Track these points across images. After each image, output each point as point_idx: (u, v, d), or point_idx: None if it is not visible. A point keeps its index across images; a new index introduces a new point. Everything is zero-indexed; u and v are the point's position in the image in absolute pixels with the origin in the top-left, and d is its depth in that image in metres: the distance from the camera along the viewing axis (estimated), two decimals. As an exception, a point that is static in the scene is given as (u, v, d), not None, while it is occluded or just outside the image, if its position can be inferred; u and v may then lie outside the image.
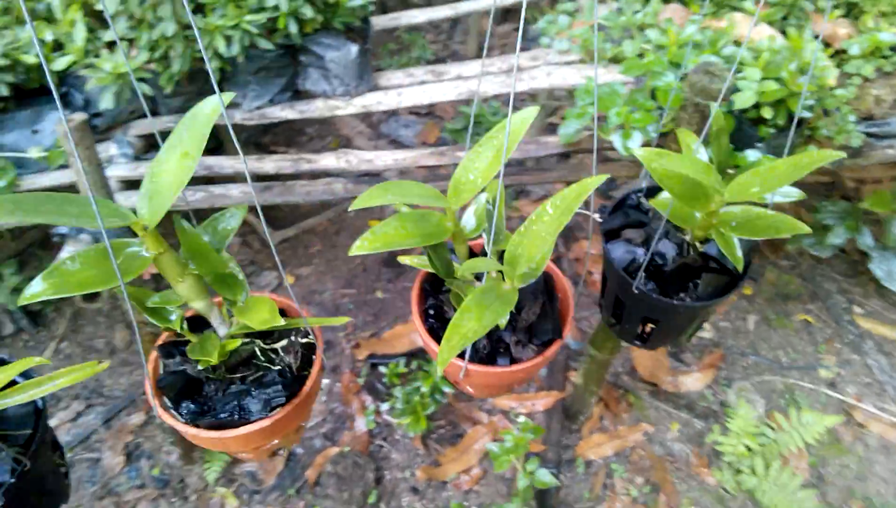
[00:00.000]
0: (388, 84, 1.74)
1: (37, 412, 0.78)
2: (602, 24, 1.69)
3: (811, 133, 1.52)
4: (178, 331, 0.79)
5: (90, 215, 0.64)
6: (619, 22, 1.65)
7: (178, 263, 0.72)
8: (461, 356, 0.88)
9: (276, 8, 1.50)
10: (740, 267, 0.84)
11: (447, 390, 1.83)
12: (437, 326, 0.95)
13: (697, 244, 0.92)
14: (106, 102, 1.43)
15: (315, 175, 1.60)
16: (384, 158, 1.56)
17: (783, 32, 1.59)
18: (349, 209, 0.71)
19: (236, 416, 0.78)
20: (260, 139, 2.82)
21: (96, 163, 1.26)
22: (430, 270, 0.88)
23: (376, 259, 2.48)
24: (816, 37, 1.53)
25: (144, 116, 1.67)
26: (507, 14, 3.48)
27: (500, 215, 0.86)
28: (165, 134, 0.73)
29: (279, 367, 0.81)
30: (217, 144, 1.94)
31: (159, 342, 0.85)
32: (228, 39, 1.47)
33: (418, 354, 2.11)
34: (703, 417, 2.05)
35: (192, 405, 0.78)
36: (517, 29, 3.41)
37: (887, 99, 1.45)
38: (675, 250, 0.93)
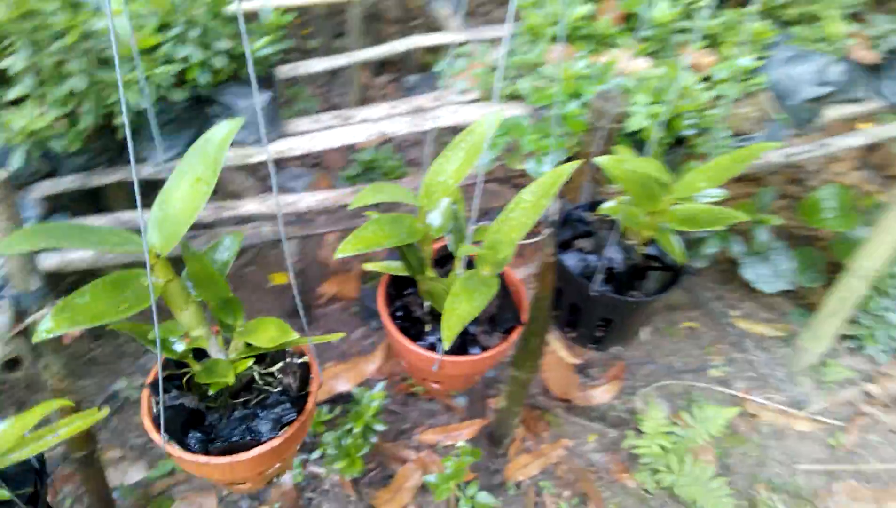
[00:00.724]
0: (296, 130, 1.76)
1: (39, 467, 0.75)
2: (497, 64, 1.81)
3: (691, 150, 1.70)
4: (179, 359, 0.78)
5: (108, 241, 0.64)
6: (513, 62, 1.78)
7: (184, 290, 0.72)
8: (432, 348, 0.92)
9: (186, 59, 1.50)
10: (684, 261, 0.95)
11: (379, 427, 1.84)
12: (407, 325, 0.99)
13: (641, 247, 1.02)
14: (17, 162, 1.36)
15: (242, 220, 1.59)
16: (307, 200, 1.58)
17: (657, 63, 1.77)
18: (349, 207, 0.75)
19: (248, 438, 0.78)
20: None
21: (19, 222, 1.20)
22: (397, 273, 0.93)
23: (287, 309, 2.45)
24: (688, 67, 1.73)
25: (46, 176, 1.60)
26: (383, 66, 3.59)
27: (461, 216, 0.93)
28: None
29: (279, 388, 0.82)
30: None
31: (148, 380, 0.83)
32: (140, 92, 1.45)
33: (339, 399, 2.10)
34: (615, 426, 2.17)
35: (199, 434, 0.78)
36: (395, 79, 3.53)
37: (752, 116, 1.65)
38: (622, 255, 1.02)
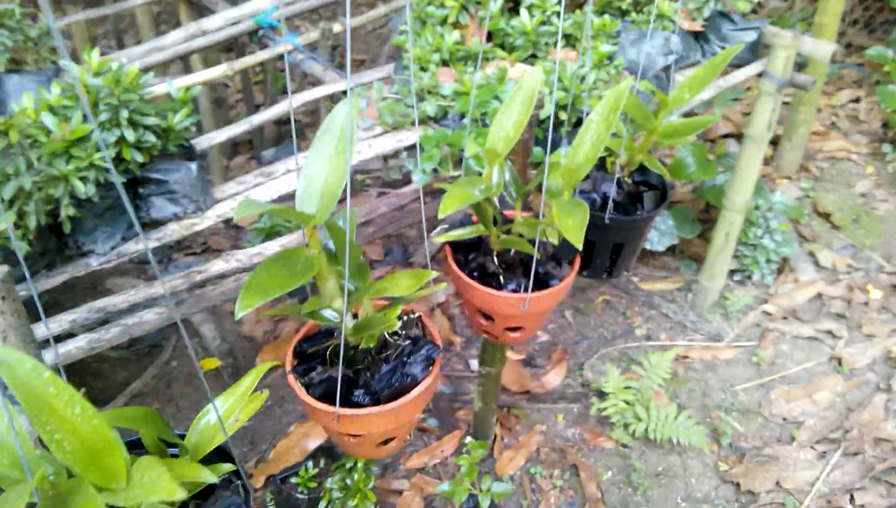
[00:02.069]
0: (225, 195, 1.80)
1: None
2: (396, 95, 1.95)
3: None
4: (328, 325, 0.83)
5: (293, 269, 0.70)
6: (411, 89, 1.93)
7: (329, 260, 0.78)
8: (515, 290, 1.04)
9: (119, 141, 1.51)
10: (667, 177, 1.12)
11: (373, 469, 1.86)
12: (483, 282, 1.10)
13: (628, 179, 1.19)
14: None
15: (220, 277, 1.59)
16: (272, 247, 1.61)
17: (535, 65, 1.99)
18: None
19: (407, 381, 0.84)
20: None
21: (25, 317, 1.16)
22: (471, 235, 1.02)
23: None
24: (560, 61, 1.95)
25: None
26: (235, 147, 3.62)
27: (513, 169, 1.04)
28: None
29: (408, 341, 0.89)
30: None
31: (288, 367, 0.88)
32: (84, 180, 1.44)
33: (319, 452, 2.09)
34: (575, 400, 2.32)
35: (360, 391, 0.83)
36: (252, 157, 3.56)
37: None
38: (615, 187, 1.18)
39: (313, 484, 1.97)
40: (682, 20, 2.21)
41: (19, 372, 0.67)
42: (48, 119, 1.44)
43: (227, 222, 2.87)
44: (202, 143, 2.06)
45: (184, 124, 1.69)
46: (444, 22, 2.18)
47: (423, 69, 2.02)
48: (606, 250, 1.24)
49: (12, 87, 1.95)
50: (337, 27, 2.44)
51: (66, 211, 1.46)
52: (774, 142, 3.35)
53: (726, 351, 2.49)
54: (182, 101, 1.75)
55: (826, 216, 3.07)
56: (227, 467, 0.84)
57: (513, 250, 1.14)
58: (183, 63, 3.03)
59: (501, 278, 1.12)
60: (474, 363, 2.42)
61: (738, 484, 2.08)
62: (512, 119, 0.98)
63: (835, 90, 3.98)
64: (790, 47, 2.10)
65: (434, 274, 0.87)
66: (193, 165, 1.68)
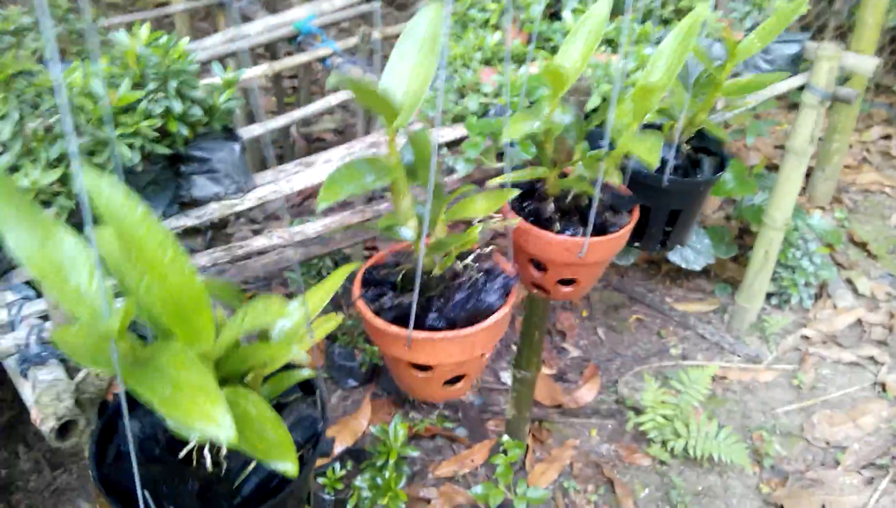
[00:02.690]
0: (264, 181, 1.77)
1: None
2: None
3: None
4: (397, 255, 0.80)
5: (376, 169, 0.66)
6: (454, 86, 1.92)
7: (406, 173, 0.75)
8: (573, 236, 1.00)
9: (165, 112, 1.49)
10: (727, 140, 1.09)
11: (414, 453, 1.79)
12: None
13: (685, 146, 1.15)
14: None
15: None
16: (314, 226, 1.57)
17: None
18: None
19: (483, 308, 0.79)
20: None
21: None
22: (531, 177, 0.99)
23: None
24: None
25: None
26: (264, 162, 3.62)
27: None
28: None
29: (481, 273, 0.84)
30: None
31: (356, 294, 0.85)
32: (131, 147, 1.41)
33: (346, 455, 2.02)
34: (610, 416, 2.24)
35: (434, 315, 0.78)
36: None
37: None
38: (673, 153, 1.15)
39: (340, 486, 1.90)
40: (724, 30, 2.20)
41: (114, 200, 0.62)
42: (97, 85, 1.43)
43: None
44: (242, 135, 2.05)
45: (228, 105, 1.68)
46: (485, 25, 2.18)
47: (466, 66, 2.02)
48: (662, 218, 1.20)
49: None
50: (376, 34, 2.45)
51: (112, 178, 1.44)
52: (808, 173, 3.31)
53: (765, 373, 2.41)
54: (227, 83, 1.74)
55: (862, 246, 3.02)
56: (307, 373, 0.80)
57: (569, 197, 1.10)
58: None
59: (557, 224, 1.08)
60: (504, 376, 2.35)
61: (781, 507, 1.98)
62: (579, 48, 0.95)
63: (865, 127, 3.96)
64: (833, 59, 2.08)
65: (514, 192, 0.83)
66: (237, 146, 1.66)
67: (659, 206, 1.17)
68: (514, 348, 2.06)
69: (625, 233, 1.05)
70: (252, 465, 0.74)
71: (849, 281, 2.80)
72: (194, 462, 0.73)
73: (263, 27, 2.53)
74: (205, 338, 0.65)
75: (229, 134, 1.70)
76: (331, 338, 2.40)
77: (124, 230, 0.62)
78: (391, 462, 1.70)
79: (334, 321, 0.78)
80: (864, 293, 2.75)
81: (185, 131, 1.55)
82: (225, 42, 2.48)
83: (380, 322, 0.82)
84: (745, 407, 2.29)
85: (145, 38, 1.52)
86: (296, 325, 0.74)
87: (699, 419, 2.10)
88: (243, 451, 0.61)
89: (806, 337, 2.55)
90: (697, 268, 2.60)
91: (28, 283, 1.48)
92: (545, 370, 2.38)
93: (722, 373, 2.39)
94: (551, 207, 1.09)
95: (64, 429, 1.21)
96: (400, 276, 0.85)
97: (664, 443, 2.09)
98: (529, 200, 1.13)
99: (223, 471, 0.74)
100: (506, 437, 1.86)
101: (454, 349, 0.83)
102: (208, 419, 0.52)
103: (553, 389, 2.31)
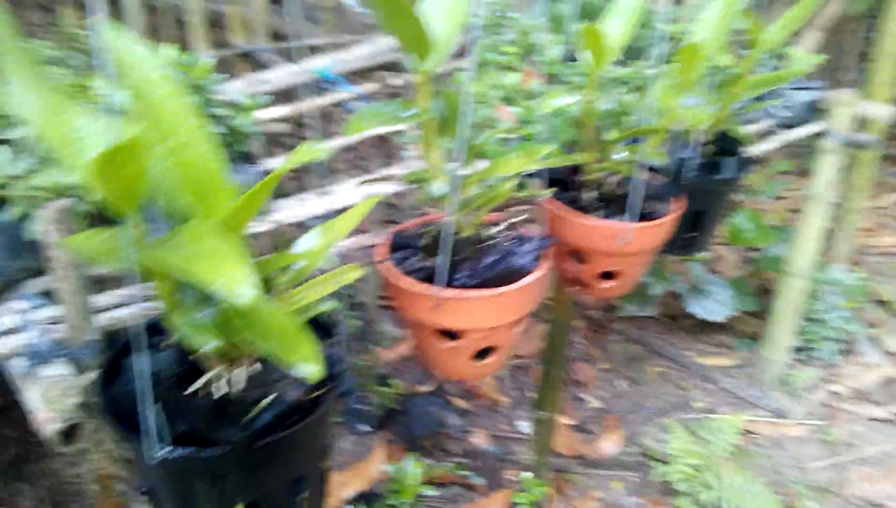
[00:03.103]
0: (285, 207, 1.75)
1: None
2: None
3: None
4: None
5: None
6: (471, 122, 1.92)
7: (438, 124, 0.72)
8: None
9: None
10: (748, 141, 1.06)
11: (430, 493, 1.70)
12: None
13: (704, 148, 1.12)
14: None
15: None
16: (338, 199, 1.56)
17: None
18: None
19: (514, 269, 0.74)
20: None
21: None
22: (573, 162, 0.95)
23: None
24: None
25: (38, 272, 1.45)
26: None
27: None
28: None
29: (514, 239, 0.80)
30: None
31: (378, 256, 0.81)
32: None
33: (359, 499, 1.91)
34: (634, 469, 2.14)
35: (465, 275, 0.73)
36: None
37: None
38: (692, 152, 1.12)
39: (351, 534, 1.79)
40: (747, 16, 2.20)
41: (135, 54, 0.59)
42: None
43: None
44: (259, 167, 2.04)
45: (250, 128, 1.68)
46: (503, 67, 2.20)
47: (483, 103, 2.02)
48: (687, 220, 1.15)
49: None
50: (396, 80, 2.48)
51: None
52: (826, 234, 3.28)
53: (794, 428, 2.31)
54: (249, 106, 1.74)
55: (887, 304, 2.95)
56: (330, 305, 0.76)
57: (609, 184, 1.06)
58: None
59: (597, 212, 1.03)
60: (522, 426, 2.26)
61: (820, 566, 1.86)
62: (619, 22, 0.93)
63: (878, 194, 3.95)
64: (851, 104, 2.08)
65: (551, 146, 0.79)
66: (257, 169, 1.65)
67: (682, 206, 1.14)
68: (532, 395, 1.98)
69: (669, 221, 1.01)
70: (269, 399, 0.69)
71: (874, 339, 2.72)
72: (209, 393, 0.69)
73: (285, 73, 2.56)
74: (224, 213, 0.62)
75: (248, 158, 1.68)
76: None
77: (144, 90, 0.59)
78: (407, 500, 1.61)
79: (358, 270, 0.74)
80: (892, 351, 2.66)
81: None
82: (247, 87, 2.51)
83: (406, 281, 0.77)
84: (775, 462, 2.18)
85: (168, 56, 1.53)
86: (319, 246, 0.71)
87: (729, 471, 1.99)
88: (267, 353, 0.57)
89: (835, 393, 2.45)
90: (720, 319, 2.53)
91: (41, 294, 1.43)
92: (565, 420, 2.28)
93: (749, 427, 2.29)
94: (592, 194, 1.05)
95: (69, 434, 1.15)
96: (427, 238, 0.81)
97: (693, 495, 1.97)
98: (567, 189, 1.09)
99: (237, 404, 0.69)
100: (526, 474, 1.76)
101: (485, 310, 0.78)
102: (231, 279, 0.48)
103: (573, 439, 2.21)
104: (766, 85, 1.11)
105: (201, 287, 0.50)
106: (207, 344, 0.64)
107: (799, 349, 2.56)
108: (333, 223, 0.74)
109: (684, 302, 2.55)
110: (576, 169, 1.09)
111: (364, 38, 2.81)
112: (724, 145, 1.14)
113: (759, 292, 2.76)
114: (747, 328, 2.71)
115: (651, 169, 1.13)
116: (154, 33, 3.25)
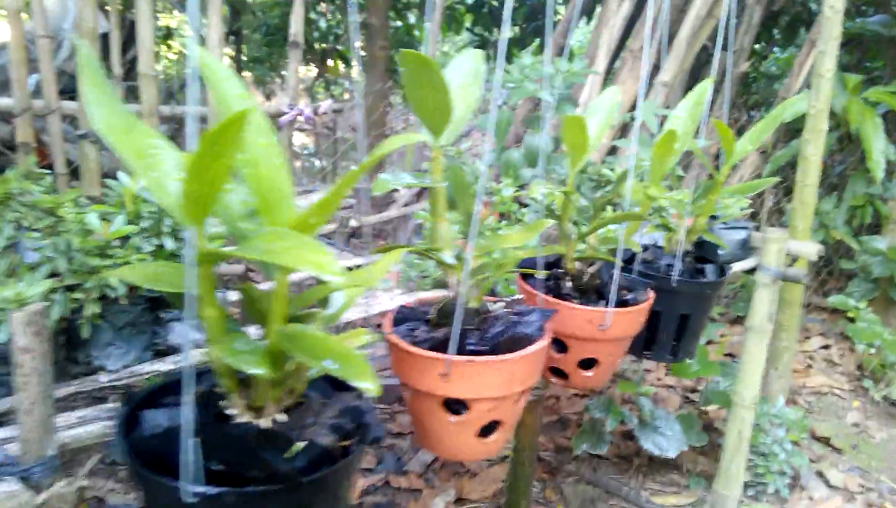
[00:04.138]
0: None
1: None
2: (417, 259, 2.00)
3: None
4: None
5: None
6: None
7: (446, 199, 0.75)
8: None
9: (156, 250, 1.49)
10: (725, 247, 1.14)
11: None
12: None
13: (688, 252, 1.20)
14: (2, 336, 1.18)
15: None
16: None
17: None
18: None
19: (521, 336, 0.76)
20: None
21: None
22: (550, 253, 0.99)
23: None
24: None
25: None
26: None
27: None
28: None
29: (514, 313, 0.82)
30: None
31: (386, 328, 0.81)
32: (119, 279, 1.38)
33: None
34: None
35: (474, 343, 0.74)
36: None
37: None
38: (675, 261, 1.19)
39: None
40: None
41: (219, 74, 0.61)
42: (93, 218, 1.43)
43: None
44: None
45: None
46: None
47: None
48: (672, 323, 1.20)
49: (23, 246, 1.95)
50: (353, 222, 2.55)
51: (93, 308, 1.39)
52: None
53: (755, 565, 2.27)
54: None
55: (825, 441, 3.03)
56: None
57: (586, 276, 1.10)
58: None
59: (576, 301, 1.07)
60: (482, 571, 2.15)
61: None
62: (596, 124, 1.02)
63: (803, 338, 4.15)
64: (781, 240, 2.25)
65: (548, 222, 0.83)
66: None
67: (668, 310, 1.19)
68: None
69: (645, 307, 1.05)
70: (301, 445, 0.67)
71: (819, 473, 2.77)
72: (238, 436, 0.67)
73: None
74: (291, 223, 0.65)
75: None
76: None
77: (224, 104, 0.62)
78: None
79: (370, 335, 0.75)
80: (837, 485, 2.71)
81: (172, 271, 1.53)
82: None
83: (416, 350, 0.78)
84: None
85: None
86: (347, 296, 0.72)
87: None
88: (329, 368, 0.57)
89: (790, 528, 2.45)
90: (671, 455, 2.54)
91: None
92: (525, 565, 2.19)
93: (711, 565, 2.25)
94: (569, 284, 1.09)
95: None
96: (433, 311, 0.83)
97: None
98: (547, 279, 1.14)
99: (269, 446, 0.68)
100: None
101: (494, 377, 0.79)
102: (317, 264, 0.50)
103: (535, 584, 2.12)
104: (739, 193, 1.21)
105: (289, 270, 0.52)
106: (257, 370, 0.64)
107: (749, 485, 2.58)
108: (356, 276, 0.76)
109: (636, 437, 2.56)
110: (556, 261, 1.14)
111: (320, 186, 2.92)
112: (703, 253, 1.23)
113: (703, 428, 2.80)
114: (698, 466, 2.73)
115: (628, 270, 1.20)
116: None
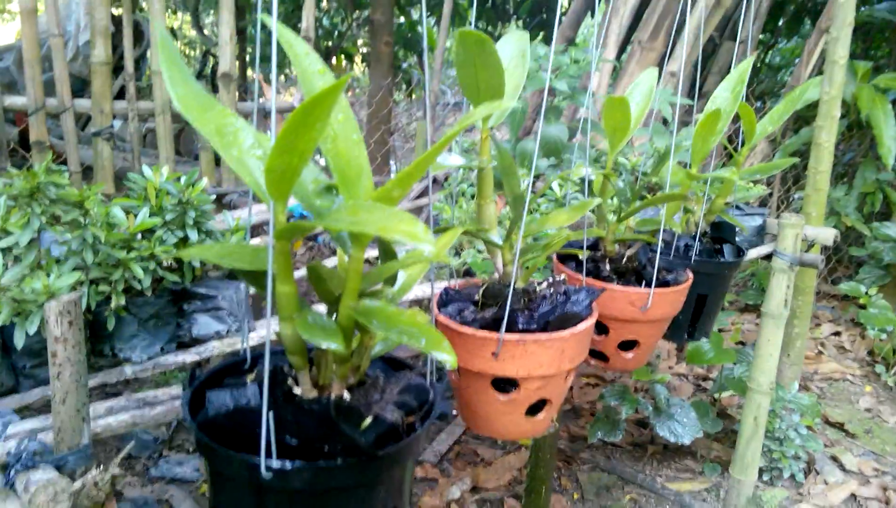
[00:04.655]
0: (262, 326, 1.75)
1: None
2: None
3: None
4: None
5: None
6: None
7: (492, 180, 0.76)
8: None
9: (180, 242, 1.50)
10: (744, 231, 1.15)
11: None
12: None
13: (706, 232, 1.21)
14: (31, 328, 1.19)
15: None
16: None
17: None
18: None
19: (571, 314, 0.77)
20: None
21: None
22: (591, 235, 1.00)
23: None
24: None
25: (9, 391, 1.39)
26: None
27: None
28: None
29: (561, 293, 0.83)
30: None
31: (434, 308, 0.83)
32: (144, 271, 1.40)
33: None
34: None
35: (525, 321, 0.76)
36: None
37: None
38: (693, 241, 1.20)
39: None
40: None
41: (298, 50, 0.65)
42: (118, 212, 1.45)
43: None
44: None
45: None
46: (474, 197, 2.32)
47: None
48: (690, 304, 1.21)
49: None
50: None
51: (119, 300, 1.40)
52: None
53: (772, 550, 2.28)
54: (235, 229, 1.78)
55: (839, 426, 3.03)
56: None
57: (625, 258, 1.11)
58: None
59: (616, 283, 1.08)
60: (502, 558, 2.17)
61: None
62: (636, 107, 1.03)
63: (814, 325, 4.15)
64: (797, 226, 2.25)
65: (596, 200, 0.85)
66: (243, 285, 1.66)
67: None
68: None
69: (685, 288, 1.07)
70: (369, 419, 0.68)
71: (834, 458, 2.78)
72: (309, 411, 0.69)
73: (256, 211, 2.62)
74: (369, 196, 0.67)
75: (233, 275, 1.70)
76: None
77: (305, 80, 0.64)
78: None
79: (425, 315, 0.76)
80: (852, 469, 2.72)
81: (196, 263, 1.54)
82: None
83: (467, 329, 0.79)
84: (759, 584, 2.13)
85: (167, 174, 1.57)
86: (410, 275, 0.74)
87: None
88: (408, 341, 0.59)
89: (806, 512, 2.46)
90: (686, 441, 2.55)
91: (15, 410, 1.37)
92: (544, 552, 2.21)
93: (728, 550, 2.26)
94: (608, 266, 1.11)
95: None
96: (480, 291, 0.84)
97: None
98: (587, 262, 1.15)
99: (339, 421, 0.69)
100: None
101: (544, 356, 0.80)
102: (410, 233, 0.51)
103: (555, 571, 2.13)
104: (762, 172, 1.23)
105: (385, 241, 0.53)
106: (332, 344, 0.66)
107: (765, 470, 2.59)
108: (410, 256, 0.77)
109: (652, 424, 2.57)
110: (594, 244, 1.15)
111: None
112: (721, 233, 1.25)
113: (717, 415, 2.81)
114: (713, 452, 2.74)
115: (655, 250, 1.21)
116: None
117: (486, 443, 2.74)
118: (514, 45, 0.90)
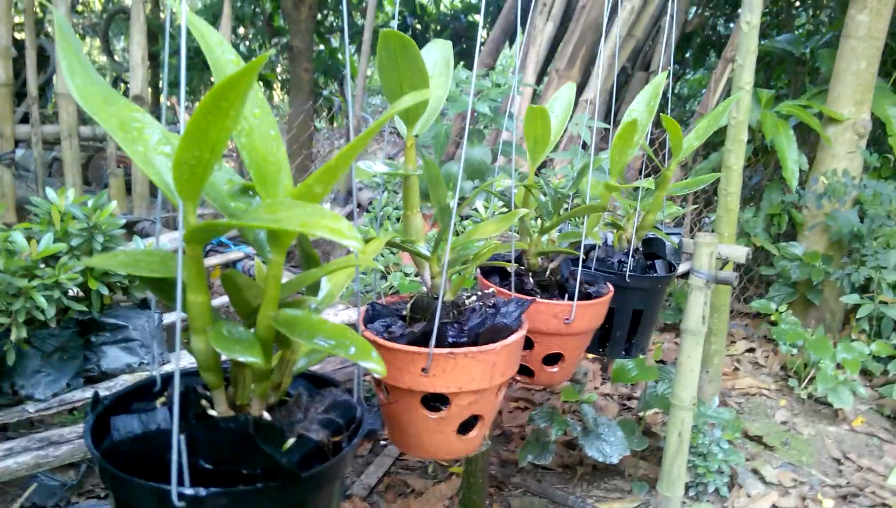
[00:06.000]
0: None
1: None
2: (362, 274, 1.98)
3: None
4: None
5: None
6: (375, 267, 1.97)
7: (419, 191, 0.74)
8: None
9: (86, 270, 1.41)
10: (675, 246, 1.17)
11: None
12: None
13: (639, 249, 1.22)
14: None
15: None
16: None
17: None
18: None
19: (501, 327, 0.74)
20: None
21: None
22: (518, 247, 0.99)
23: None
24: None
25: None
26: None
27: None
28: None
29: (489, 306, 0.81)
30: None
31: (360, 324, 0.79)
32: (48, 300, 1.30)
33: None
34: None
35: (454, 334, 0.72)
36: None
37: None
38: (627, 257, 1.21)
39: None
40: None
41: (211, 38, 0.61)
42: (18, 237, 1.35)
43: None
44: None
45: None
46: (399, 220, 2.30)
47: (389, 250, 2.08)
48: (626, 319, 1.22)
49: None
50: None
51: (20, 332, 1.31)
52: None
53: (701, 565, 2.31)
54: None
55: (758, 439, 3.12)
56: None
57: (548, 271, 1.10)
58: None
59: (538, 296, 1.07)
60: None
61: None
62: (556, 119, 1.03)
63: (730, 343, 4.29)
64: (711, 244, 2.32)
65: (525, 210, 0.83)
66: (157, 315, 1.58)
67: (622, 306, 1.21)
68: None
69: (607, 299, 1.06)
70: (291, 441, 0.63)
71: (755, 471, 2.85)
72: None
73: (169, 239, 2.52)
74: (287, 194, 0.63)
75: (146, 304, 1.61)
76: None
77: (218, 70, 0.60)
78: None
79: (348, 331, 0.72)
80: (772, 481, 2.79)
81: (104, 291, 1.46)
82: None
83: (395, 345, 0.75)
84: None
85: (73, 199, 1.48)
86: (332, 287, 0.70)
87: None
88: (335, 351, 0.55)
89: (731, 526, 2.51)
90: (615, 461, 2.57)
91: None
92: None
93: (659, 567, 2.27)
94: (531, 279, 1.09)
95: None
96: (408, 305, 0.81)
97: None
98: (509, 277, 1.14)
99: (266, 441, 0.64)
100: None
101: (476, 368, 0.77)
102: (335, 229, 0.47)
103: None
104: (689, 187, 1.25)
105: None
106: (251, 358, 0.60)
107: (690, 486, 2.63)
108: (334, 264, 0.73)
109: (581, 444, 2.58)
110: (518, 258, 1.14)
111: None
112: (652, 249, 1.26)
113: (643, 433, 2.85)
114: (640, 471, 2.76)
115: (585, 265, 1.21)
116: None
117: (416, 472, 2.69)
118: (438, 53, 0.88)
